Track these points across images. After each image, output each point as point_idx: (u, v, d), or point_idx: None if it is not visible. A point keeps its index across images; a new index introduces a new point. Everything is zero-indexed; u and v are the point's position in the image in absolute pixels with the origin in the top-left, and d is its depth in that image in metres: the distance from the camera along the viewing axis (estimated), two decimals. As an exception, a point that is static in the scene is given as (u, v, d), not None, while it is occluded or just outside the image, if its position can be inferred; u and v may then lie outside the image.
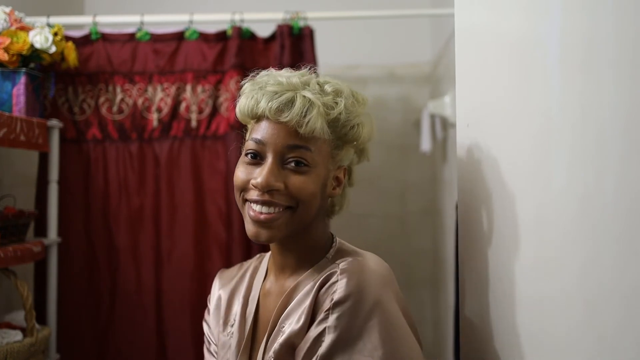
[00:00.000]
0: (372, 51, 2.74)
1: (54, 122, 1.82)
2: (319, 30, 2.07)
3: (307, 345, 0.73)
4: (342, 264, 0.77)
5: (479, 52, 0.90)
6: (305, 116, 0.76)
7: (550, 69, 0.66)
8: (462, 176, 0.97)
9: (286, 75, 0.81)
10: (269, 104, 0.78)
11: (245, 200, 0.82)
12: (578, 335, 0.60)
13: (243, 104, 0.82)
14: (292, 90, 0.79)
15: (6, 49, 1.62)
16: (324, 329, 0.72)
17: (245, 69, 1.95)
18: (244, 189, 0.81)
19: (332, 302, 0.73)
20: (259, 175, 0.78)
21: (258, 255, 1.00)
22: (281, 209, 0.79)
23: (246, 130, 0.89)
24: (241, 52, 1.93)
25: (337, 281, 0.75)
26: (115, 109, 1.97)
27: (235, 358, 0.86)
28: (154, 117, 1.96)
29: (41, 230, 1.89)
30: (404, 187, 2.76)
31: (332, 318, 0.72)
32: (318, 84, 0.82)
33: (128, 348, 1.92)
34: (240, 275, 0.96)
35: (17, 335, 1.52)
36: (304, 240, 0.84)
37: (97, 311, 1.93)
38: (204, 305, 1.91)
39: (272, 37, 2.00)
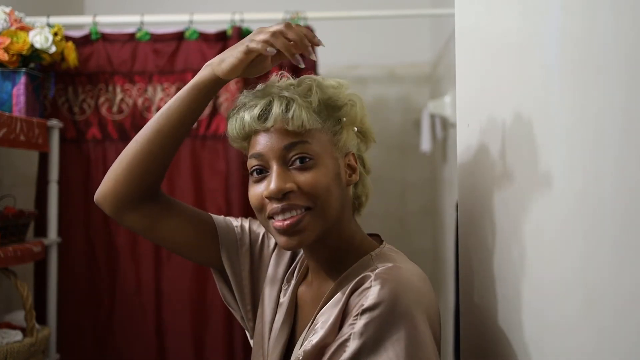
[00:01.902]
0: (372, 51, 2.74)
1: (54, 122, 1.82)
2: (319, 30, 2.05)
3: (332, 349, 0.71)
4: (379, 269, 0.74)
5: (479, 52, 0.90)
6: (287, 112, 0.76)
7: (549, 69, 0.66)
8: (462, 176, 0.97)
9: (260, 86, 0.83)
10: (251, 115, 0.79)
11: (268, 218, 0.80)
12: (577, 331, 0.60)
13: (231, 129, 0.82)
14: (267, 96, 0.79)
15: (6, 49, 1.62)
16: (350, 335, 0.70)
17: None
18: (262, 206, 0.79)
19: (362, 308, 0.70)
20: (268, 184, 0.77)
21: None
22: (302, 211, 0.77)
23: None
24: (241, 52, 1.93)
25: (370, 287, 0.72)
26: (115, 109, 1.97)
27: (277, 332, 0.86)
28: (154, 117, 1.96)
29: (41, 230, 1.89)
30: (404, 187, 2.76)
31: (360, 324, 0.70)
32: (288, 80, 0.83)
33: (128, 348, 1.92)
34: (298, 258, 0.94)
35: (17, 335, 1.52)
36: (333, 240, 0.82)
37: (97, 311, 1.93)
38: (203, 306, 1.93)
39: (272, 37, 2.00)
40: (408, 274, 0.74)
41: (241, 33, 1.94)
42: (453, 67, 1.02)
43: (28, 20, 1.75)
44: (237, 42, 0.82)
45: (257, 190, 0.80)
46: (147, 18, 1.97)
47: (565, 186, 0.62)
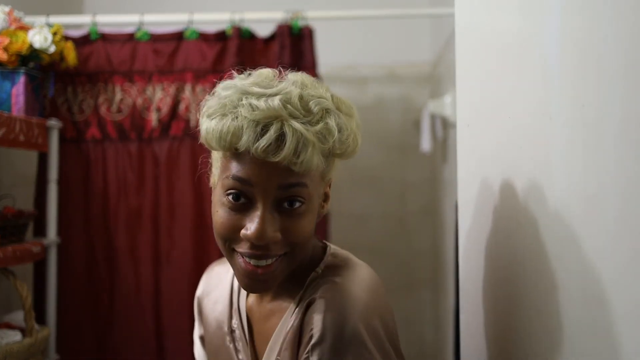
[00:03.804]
0: (372, 51, 2.74)
1: (53, 122, 1.82)
2: (319, 30, 2.06)
3: None
4: (321, 293, 0.69)
5: (479, 52, 0.90)
6: (299, 155, 0.63)
7: (550, 69, 0.65)
8: (462, 176, 0.97)
9: (261, 94, 0.66)
10: (256, 144, 0.63)
11: (233, 250, 0.69)
12: (576, 332, 0.60)
13: (215, 134, 0.65)
14: (276, 118, 0.64)
15: (5, 49, 1.62)
16: None
17: (245, 69, 1.95)
18: (232, 238, 0.68)
19: (311, 344, 0.66)
20: (251, 225, 0.66)
21: None
22: (277, 257, 0.69)
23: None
24: (241, 52, 1.93)
25: (314, 316, 0.67)
26: (114, 108, 1.96)
27: None
28: (153, 117, 1.96)
29: (40, 230, 1.89)
30: (403, 187, 2.75)
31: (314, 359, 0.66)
32: (300, 99, 0.66)
33: (127, 348, 1.92)
34: (230, 279, 0.89)
35: (17, 336, 1.52)
36: None
37: (97, 311, 1.93)
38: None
39: (272, 37, 2.00)
40: (352, 288, 0.70)
41: (241, 33, 1.94)
42: (453, 67, 1.02)
43: (27, 19, 1.75)
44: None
45: (231, 221, 0.68)
46: (147, 18, 1.97)
47: (565, 186, 0.62)
